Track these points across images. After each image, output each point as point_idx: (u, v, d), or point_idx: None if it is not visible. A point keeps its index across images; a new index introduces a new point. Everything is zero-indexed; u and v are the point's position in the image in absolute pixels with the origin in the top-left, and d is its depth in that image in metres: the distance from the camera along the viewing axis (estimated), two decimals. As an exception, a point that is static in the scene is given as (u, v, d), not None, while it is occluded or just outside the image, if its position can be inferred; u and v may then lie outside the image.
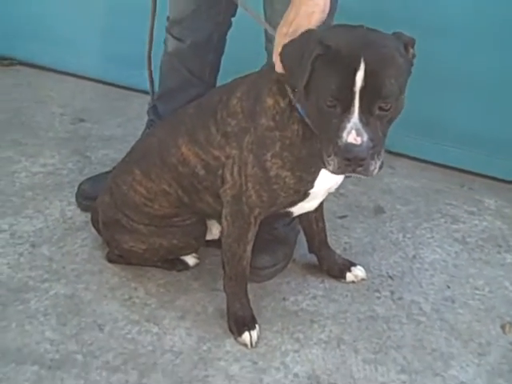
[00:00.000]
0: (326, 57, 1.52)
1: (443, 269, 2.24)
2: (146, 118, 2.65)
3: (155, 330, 1.99)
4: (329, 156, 1.54)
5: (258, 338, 1.96)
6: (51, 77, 3.59)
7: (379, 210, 2.43)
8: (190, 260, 2.22)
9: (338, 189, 2.46)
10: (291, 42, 1.63)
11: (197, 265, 2.24)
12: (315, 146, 1.73)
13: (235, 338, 1.96)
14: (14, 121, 3.13)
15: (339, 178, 1.89)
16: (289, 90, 1.71)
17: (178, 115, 2.03)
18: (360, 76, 1.47)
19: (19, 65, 3.71)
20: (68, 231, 2.38)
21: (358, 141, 1.47)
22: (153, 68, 2.54)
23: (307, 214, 2.07)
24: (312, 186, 1.82)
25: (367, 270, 2.22)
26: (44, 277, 2.16)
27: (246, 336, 1.94)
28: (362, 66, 1.46)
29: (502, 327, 2.03)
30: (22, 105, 3.28)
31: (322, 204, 2.06)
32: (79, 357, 1.88)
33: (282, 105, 1.73)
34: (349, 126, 1.48)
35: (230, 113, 1.83)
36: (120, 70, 3.48)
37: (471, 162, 2.82)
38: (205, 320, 2.04)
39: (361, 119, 1.49)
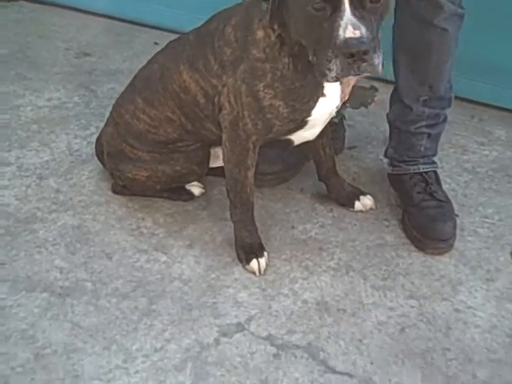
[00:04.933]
0: None
1: (453, 198, 2.21)
2: (151, 52, 2.60)
3: (163, 258, 2.00)
4: (329, 61, 1.49)
5: (267, 265, 1.96)
6: (54, 12, 3.52)
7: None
8: (195, 189, 2.22)
9: (347, 120, 2.47)
10: None
11: (202, 194, 2.23)
12: (308, 78, 1.71)
13: (243, 266, 1.97)
14: (18, 55, 3.08)
15: (335, 105, 1.85)
16: (275, 24, 1.66)
17: (180, 42, 2.00)
18: None
19: (22, 0, 3.64)
20: (74, 163, 2.37)
21: (357, 34, 1.44)
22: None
23: (314, 140, 2.05)
24: (309, 115, 1.80)
25: (376, 199, 2.21)
26: (51, 208, 2.16)
27: (254, 263, 1.95)
28: None
29: (511, 254, 2.02)
30: (26, 40, 3.23)
31: (327, 130, 2.03)
32: (89, 284, 1.90)
33: (272, 38, 1.70)
34: (343, 22, 1.45)
35: (226, 41, 1.80)
36: (125, 4, 3.42)
37: (481, 93, 2.77)
38: (213, 249, 2.04)
39: (354, 14, 1.45)
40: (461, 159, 2.45)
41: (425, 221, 2.03)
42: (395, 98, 2.17)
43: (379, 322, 1.82)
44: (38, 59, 3.07)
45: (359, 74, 1.52)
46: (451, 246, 2.04)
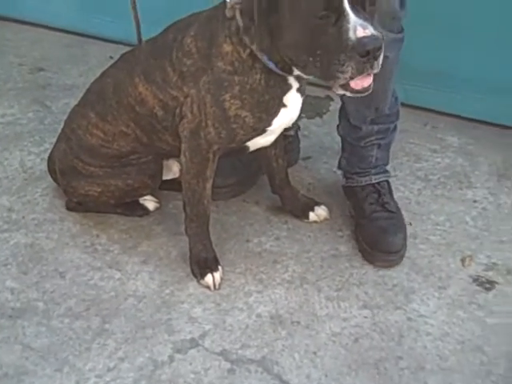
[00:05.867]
0: None
1: (406, 206, 2.24)
2: (106, 66, 2.59)
3: (118, 275, 1.99)
4: (342, 64, 1.50)
5: (221, 279, 1.97)
6: (8, 26, 3.49)
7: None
8: (150, 204, 2.22)
9: (301, 130, 2.49)
10: None
11: (157, 209, 2.23)
12: (277, 91, 1.74)
13: (198, 281, 1.97)
14: (-29, 72, 3.06)
15: (295, 115, 1.87)
16: (247, 40, 1.67)
17: (134, 54, 1.99)
18: None
19: (-25, 15, 3.61)
20: (28, 181, 2.36)
21: (368, 33, 1.47)
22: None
23: (266, 151, 2.06)
24: (270, 124, 1.81)
25: (330, 209, 2.22)
26: (3, 227, 2.15)
27: (208, 278, 1.95)
28: None
29: (462, 260, 2.05)
30: (-22, 55, 3.20)
31: (280, 141, 2.04)
32: (41, 304, 1.88)
33: (243, 55, 1.70)
34: (351, 25, 1.48)
35: (185, 52, 1.79)
36: (80, 18, 3.40)
37: (434, 101, 2.80)
38: (168, 264, 2.04)
39: (358, 16, 1.48)
40: (414, 167, 2.48)
41: (375, 233, 2.04)
42: (343, 115, 2.20)
43: (333, 333, 1.83)
44: (-9, 75, 3.05)
45: (372, 71, 1.54)
46: (401, 258, 2.04)
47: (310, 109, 2.76)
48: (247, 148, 1.93)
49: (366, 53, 1.48)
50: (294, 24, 1.55)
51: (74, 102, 2.77)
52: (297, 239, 2.14)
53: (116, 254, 2.06)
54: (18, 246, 2.07)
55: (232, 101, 1.74)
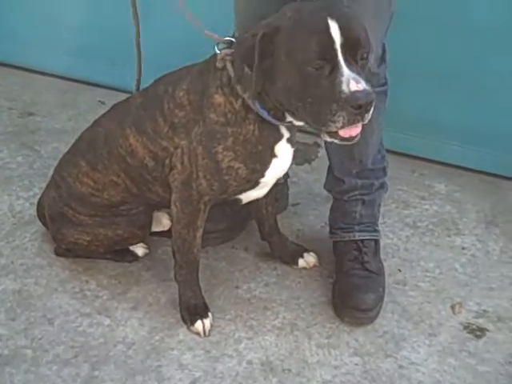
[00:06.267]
0: (290, 29, 1.55)
1: (395, 253, 2.26)
2: (97, 111, 2.61)
3: (107, 322, 1.97)
4: (334, 114, 1.52)
5: (211, 326, 1.95)
6: (-1, 70, 3.52)
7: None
8: (140, 250, 2.21)
9: (290, 177, 2.51)
10: (242, 38, 1.66)
11: (146, 255, 2.22)
12: (270, 140, 1.76)
13: (188, 327, 1.95)
14: (-40, 116, 3.06)
15: (287, 165, 1.89)
16: (240, 89, 1.70)
17: (125, 104, 2.00)
18: (336, 32, 1.51)
19: (-35, 59, 3.63)
20: (17, 225, 2.34)
21: (361, 87, 1.50)
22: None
23: (257, 200, 2.07)
24: (263, 176, 1.83)
25: (320, 256, 2.23)
26: (-8, 272, 2.13)
27: (198, 324, 1.93)
28: (334, 24, 1.51)
29: (452, 308, 2.06)
30: (-31, 99, 3.21)
31: (272, 190, 2.05)
32: (29, 351, 1.86)
33: (236, 106, 1.72)
34: (344, 78, 1.50)
35: (177, 104, 1.81)
36: (70, 62, 3.43)
37: (421, 148, 2.84)
38: (157, 310, 2.02)
39: (351, 70, 1.51)
40: (402, 214, 2.50)
41: (347, 288, 2.02)
42: (329, 170, 2.23)
43: (324, 380, 1.82)
44: (-19, 119, 3.05)
45: (363, 122, 1.56)
46: (371, 319, 2.00)
47: (299, 155, 2.78)
48: (240, 200, 1.94)
49: (358, 106, 1.51)
50: (288, 70, 1.57)
51: (63, 147, 2.80)
52: (286, 285, 2.14)
53: (105, 300, 2.05)
54: (6, 292, 2.05)
55: (225, 152, 1.75)
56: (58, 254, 2.20)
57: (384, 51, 2.00)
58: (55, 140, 2.91)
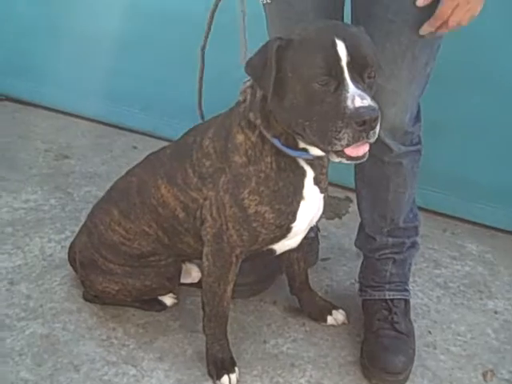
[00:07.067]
0: (298, 45, 1.56)
1: (425, 314, 2.23)
2: (129, 156, 2.64)
3: (133, 371, 1.96)
4: (339, 131, 1.51)
5: (238, 381, 1.93)
6: (37, 112, 3.59)
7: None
8: (168, 300, 2.20)
9: (320, 231, 2.50)
10: (254, 54, 1.67)
11: (175, 305, 2.21)
12: (290, 176, 1.75)
13: (214, 382, 1.93)
14: (-2, 155, 3.12)
15: (318, 212, 1.88)
16: (252, 116, 1.71)
17: (158, 155, 2.02)
18: (342, 50, 1.52)
19: (5, 100, 3.71)
20: (47, 268, 2.35)
21: (366, 103, 1.49)
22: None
23: (289, 254, 2.07)
24: (294, 219, 1.81)
25: (348, 313, 2.20)
26: (21, 315, 2.13)
27: (225, 379, 1.91)
28: (340, 42, 1.52)
29: (484, 375, 2.01)
30: (7, 140, 3.27)
31: (302, 244, 2.04)
32: (54, 398, 1.85)
33: (253, 139, 1.74)
34: (349, 94, 1.50)
35: (204, 154, 1.83)
36: (105, 107, 3.50)
37: (454, 207, 2.83)
38: (183, 362, 2.00)
39: (357, 87, 1.51)
40: (433, 273, 2.47)
41: (376, 349, 1.99)
42: (361, 228, 2.23)
43: None
44: (18, 160, 3.11)
45: (368, 140, 1.55)
46: (400, 383, 1.95)
47: (329, 209, 2.78)
48: (274, 251, 1.93)
49: (362, 122, 1.50)
50: (294, 86, 1.57)
51: (95, 191, 2.85)
52: (314, 342, 2.11)
53: (131, 349, 2.04)
54: (34, 336, 2.05)
55: (251, 197, 1.75)
56: (86, 299, 2.20)
57: (419, 110, 2.00)
58: (88, 183, 2.95)
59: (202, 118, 2.11)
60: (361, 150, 1.57)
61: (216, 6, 1.97)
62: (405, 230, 2.15)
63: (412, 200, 2.15)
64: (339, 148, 1.55)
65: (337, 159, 1.60)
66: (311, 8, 1.85)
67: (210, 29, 2.01)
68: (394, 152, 1.97)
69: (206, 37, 2.02)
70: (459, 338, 2.15)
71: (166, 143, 2.69)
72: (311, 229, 2.06)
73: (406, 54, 1.78)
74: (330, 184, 1.89)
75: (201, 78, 2.08)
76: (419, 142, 2.05)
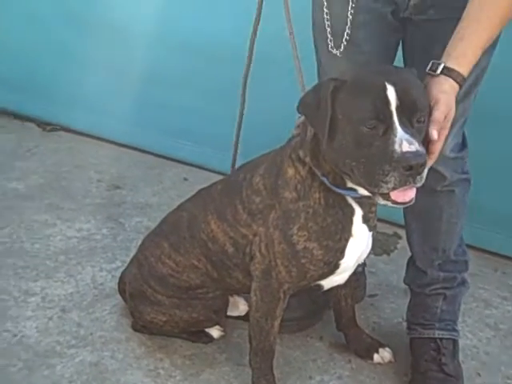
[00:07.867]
0: (349, 88, 1.58)
1: (474, 355, 2.20)
2: (180, 187, 2.68)
3: (179, 403, 1.98)
4: (386, 175, 1.52)
5: (282, 417, 1.93)
6: (91, 142, 3.68)
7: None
8: (215, 332, 2.22)
9: (368, 267, 2.49)
10: (306, 92, 1.69)
11: (221, 337, 2.23)
12: (339, 213, 1.76)
13: (259, 416, 1.93)
14: (54, 184, 3.20)
15: (366, 249, 1.89)
16: (302, 153, 1.74)
17: (209, 191, 2.06)
18: (392, 94, 1.53)
19: (61, 130, 3.82)
20: (98, 297, 2.40)
21: (413, 148, 1.49)
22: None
23: (336, 290, 2.07)
24: (342, 256, 1.82)
25: (395, 351, 2.18)
26: (71, 343, 2.17)
27: (270, 413, 1.91)
28: (390, 86, 1.53)
29: (533, 419, 1.97)
30: (62, 169, 3.36)
31: (350, 281, 2.04)
32: (101, 427, 1.87)
33: (303, 173, 1.76)
34: (397, 139, 1.51)
35: (254, 190, 1.86)
36: (157, 139, 3.56)
37: (505, 246, 2.79)
38: (229, 395, 2.02)
39: (405, 131, 1.52)
40: (483, 314, 2.43)
41: None
42: (410, 262, 2.22)
43: None
44: (72, 189, 3.18)
45: (415, 185, 1.55)
46: None
47: (378, 245, 2.77)
48: (321, 287, 1.94)
49: (409, 167, 1.50)
50: (343, 128, 1.59)
51: (146, 221, 2.90)
52: (360, 380, 2.10)
53: (178, 381, 2.05)
54: (84, 364, 2.09)
55: (299, 233, 1.76)
56: (135, 329, 2.23)
57: (464, 137, 1.99)
58: (139, 214, 3.00)
59: (236, 148, 2.17)
60: (407, 195, 1.58)
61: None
62: (456, 264, 2.14)
63: (461, 233, 2.13)
64: (385, 191, 1.56)
65: (382, 202, 1.62)
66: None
67: (250, 61, 2.11)
68: (447, 180, 1.97)
69: (248, 69, 2.13)
70: (508, 381, 2.11)
71: (216, 175, 2.75)
72: (359, 264, 2.06)
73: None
74: (379, 220, 1.90)
75: (241, 114, 2.17)
76: (468, 171, 2.04)
